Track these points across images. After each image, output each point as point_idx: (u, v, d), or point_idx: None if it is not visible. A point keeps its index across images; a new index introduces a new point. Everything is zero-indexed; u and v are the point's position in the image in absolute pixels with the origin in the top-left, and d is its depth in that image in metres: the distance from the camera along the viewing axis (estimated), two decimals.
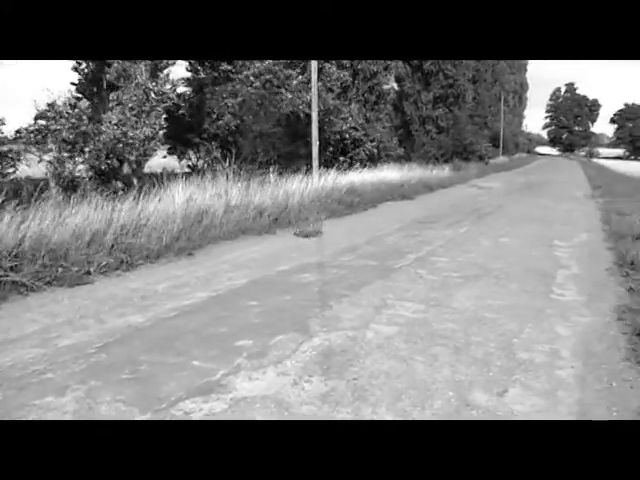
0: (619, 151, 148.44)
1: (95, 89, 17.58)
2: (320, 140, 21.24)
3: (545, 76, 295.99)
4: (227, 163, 17.75)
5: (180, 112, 23.40)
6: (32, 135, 14.26)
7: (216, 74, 24.08)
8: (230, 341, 6.10)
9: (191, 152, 24.88)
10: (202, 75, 25.62)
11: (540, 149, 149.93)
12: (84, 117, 14.54)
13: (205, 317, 6.96)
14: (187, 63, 26.36)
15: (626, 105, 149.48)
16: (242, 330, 6.45)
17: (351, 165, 24.22)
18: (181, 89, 24.83)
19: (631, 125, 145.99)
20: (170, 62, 17.53)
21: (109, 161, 15.03)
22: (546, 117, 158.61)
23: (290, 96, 22.63)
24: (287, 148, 22.13)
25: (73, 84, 18.44)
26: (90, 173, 14.98)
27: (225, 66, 23.46)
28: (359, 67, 28.21)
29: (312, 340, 6.17)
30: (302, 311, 7.19)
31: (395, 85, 38.07)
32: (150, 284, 8.53)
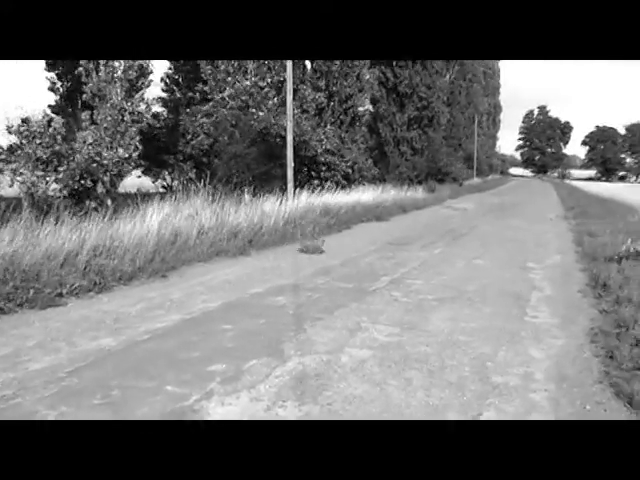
0: (591, 172, 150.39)
1: (70, 108, 17.54)
2: (295, 161, 21.26)
3: (519, 98, 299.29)
4: (202, 184, 17.70)
5: (155, 132, 23.37)
6: (4, 154, 14.17)
7: (192, 94, 24.14)
8: (203, 365, 6.04)
9: (166, 172, 24.85)
10: (178, 95, 25.70)
11: (514, 170, 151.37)
12: (58, 136, 14.46)
13: (178, 340, 6.89)
14: (163, 83, 26.42)
15: (597, 127, 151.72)
16: (216, 354, 6.40)
17: (326, 187, 24.24)
18: (156, 109, 24.86)
19: (602, 147, 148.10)
20: (146, 83, 17.50)
21: (83, 181, 14.93)
22: (519, 139, 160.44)
23: (265, 117, 22.69)
24: (262, 169, 22.12)
25: (49, 106, 18.44)
26: (64, 193, 14.87)
27: (201, 86, 23.51)
28: (334, 89, 28.36)
29: (286, 364, 6.13)
30: (276, 335, 7.15)
31: (370, 107, 38.23)
32: (123, 306, 8.45)
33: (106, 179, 15.67)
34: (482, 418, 4.95)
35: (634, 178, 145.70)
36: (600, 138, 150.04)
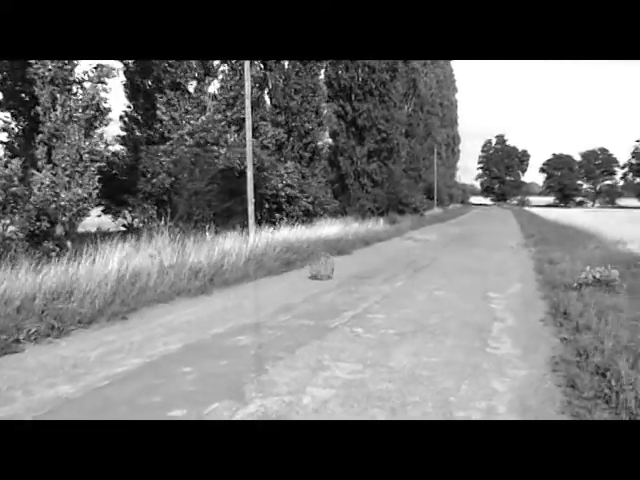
0: (549, 199, 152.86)
1: (26, 148, 17.34)
2: (256, 197, 21.28)
3: (478, 128, 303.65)
4: (163, 222, 17.62)
5: (114, 171, 23.21)
6: None
7: (151, 132, 24.08)
8: (163, 411, 5.96)
9: (126, 211, 24.63)
10: (137, 134, 25.59)
11: (474, 199, 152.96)
12: (15, 177, 14.28)
13: (138, 385, 6.81)
14: (122, 122, 26.28)
15: (554, 155, 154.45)
16: (176, 399, 6.33)
17: (288, 222, 24.27)
18: (116, 148, 24.72)
19: (559, 174, 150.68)
20: (104, 121, 17.38)
21: (40, 222, 14.74)
22: (478, 168, 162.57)
23: (225, 154, 22.70)
24: (223, 206, 22.09)
25: (2, 142, 18.23)
26: (20, 235, 14.66)
27: (159, 125, 23.48)
28: (294, 124, 28.50)
29: (247, 407, 6.08)
30: (237, 376, 7.10)
31: (330, 140, 38.44)
32: (82, 351, 8.31)
33: (65, 219, 15.46)
34: None
35: (591, 204, 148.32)
36: (557, 165, 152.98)
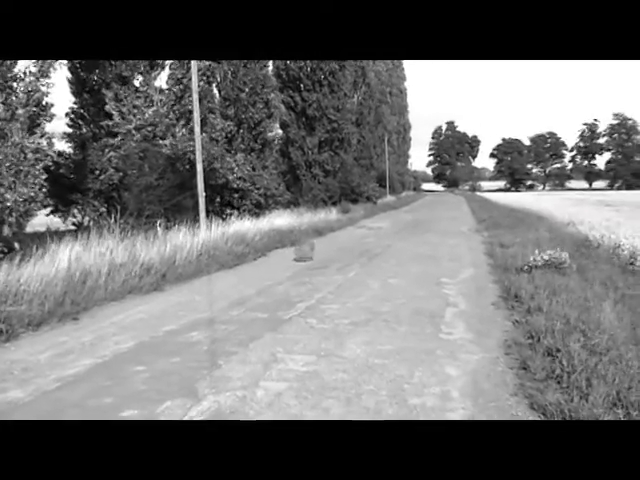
0: (500, 183, 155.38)
1: None
2: (207, 191, 21.15)
3: (428, 115, 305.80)
4: (113, 219, 17.40)
5: (62, 169, 22.88)
6: None
7: (98, 129, 23.77)
8: (115, 412, 5.86)
9: (75, 209, 24.30)
10: (84, 130, 25.22)
11: (426, 186, 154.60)
12: None
13: (90, 387, 6.70)
14: (68, 119, 25.88)
15: (503, 140, 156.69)
16: (128, 399, 6.24)
17: (240, 215, 24.16)
18: (63, 145, 24.35)
19: (509, 158, 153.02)
20: (48, 117, 17.07)
21: None
22: (430, 155, 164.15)
23: (173, 147, 22.51)
24: (173, 200, 21.92)
25: None
26: None
27: (107, 121, 23.18)
28: (243, 117, 28.33)
29: (201, 404, 6.04)
30: (191, 373, 7.04)
31: (280, 131, 38.37)
32: (32, 354, 8.15)
33: (12, 220, 15.18)
34: None
35: (541, 187, 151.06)
36: (507, 150, 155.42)
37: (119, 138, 22.43)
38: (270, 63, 33.05)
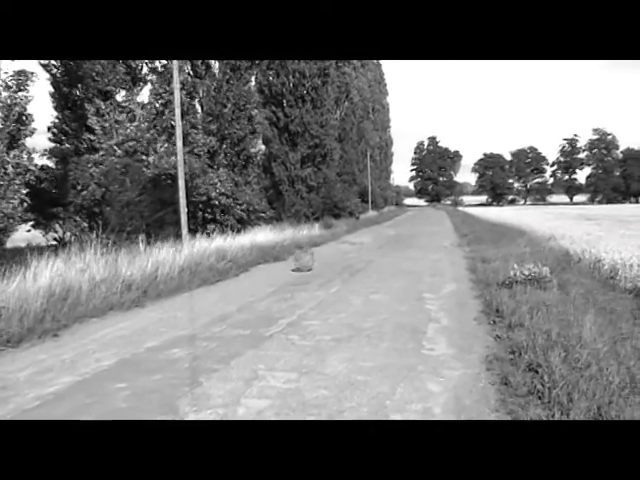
0: (482, 198, 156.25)
1: None
2: (189, 206, 21.12)
3: (410, 131, 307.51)
4: (94, 234, 17.33)
5: (43, 184, 22.78)
6: None
7: (80, 143, 23.70)
8: None
9: (57, 225, 24.17)
10: (66, 145, 25.15)
11: (408, 201, 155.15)
12: None
13: (69, 405, 6.64)
14: (50, 133, 25.82)
15: (485, 154, 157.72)
16: (109, 417, 6.16)
17: (222, 230, 24.11)
18: (44, 160, 24.27)
19: (491, 173, 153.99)
20: (28, 132, 17.00)
21: None
22: (412, 170, 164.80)
23: (154, 162, 22.46)
24: (155, 216, 21.85)
25: None
26: None
27: (89, 135, 23.11)
28: (226, 132, 28.32)
29: None
30: (172, 390, 7.01)
31: (263, 147, 38.38)
32: (11, 372, 8.06)
33: None
34: None
35: (522, 201, 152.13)
36: (488, 165, 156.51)
37: (101, 153, 22.34)
38: (253, 79, 33.09)
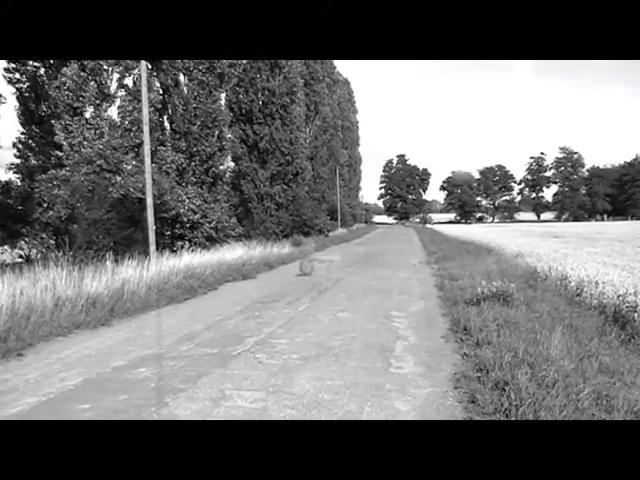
0: (450, 215, 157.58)
1: None
2: (157, 224, 21.01)
3: (380, 149, 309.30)
4: (61, 252, 17.16)
5: (8, 201, 22.52)
6: None
7: (46, 159, 23.50)
8: None
9: (22, 242, 23.87)
10: (32, 161, 24.92)
11: (377, 218, 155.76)
12: None
13: None
14: (16, 149, 25.58)
15: (453, 172, 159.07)
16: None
17: (191, 248, 23.98)
18: (10, 176, 24.02)
19: (459, 191, 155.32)
20: None
21: None
22: (381, 187, 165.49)
23: (123, 181, 22.32)
24: (123, 233, 21.66)
25: None
26: None
27: (56, 152, 22.91)
28: (195, 149, 28.23)
29: None
30: (137, 411, 6.93)
31: (232, 164, 38.36)
32: None
33: None
34: None
35: (490, 219, 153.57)
36: (456, 183, 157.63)
37: (67, 169, 22.13)
38: (222, 96, 33.04)
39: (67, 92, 22.98)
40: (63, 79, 22.62)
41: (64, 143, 22.98)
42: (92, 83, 23.81)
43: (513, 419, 5.53)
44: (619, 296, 11.81)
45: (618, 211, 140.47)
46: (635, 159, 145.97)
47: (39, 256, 21.22)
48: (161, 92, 28.38)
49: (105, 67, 24.29)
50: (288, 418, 6.53)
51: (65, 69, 22.53)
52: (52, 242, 21.85)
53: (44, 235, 21.98)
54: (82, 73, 23.05)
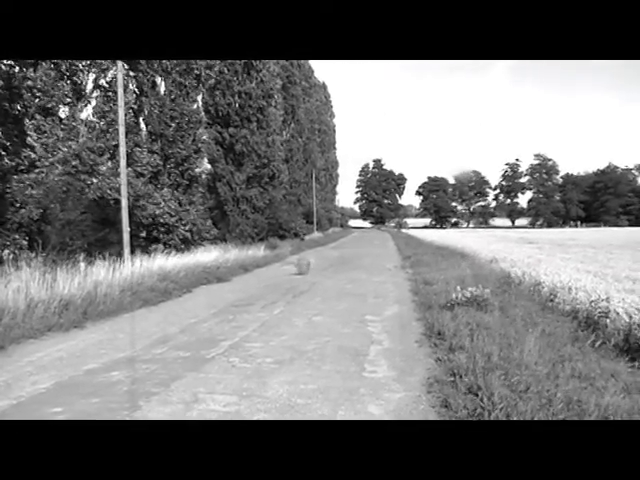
0: (426, 220, 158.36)
1: None
2: (132, 226, 20.89)
3: (355, 153, 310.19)
4: (34, 253, 17.00)
5: None
6: None
7: (20, 160, 23.23)
8: None
9: None
10: (5, 161, 24.64)
11: (353, 222, 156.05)
12: None
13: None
14: None
15: (429, 178, 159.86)
16: None
17: (166, 251, 23.85)
18: None
19: (435, 196, 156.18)
20: None
21: None
22: (357, 192, 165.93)
23: (97, 183, 22.15)
24: (98, 235, 21.51)
25: None
26: None
27: (29, 153, 22.66)
28: (170, 152, 28.10)
29: None
30: (110, 414, 6.86)
31: (209, 166, 38.24)
32: None
33: None
34: None
35: (466, 224, 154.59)
36: (432, 188, 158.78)
37: (39, 170, 21.91)
38: (199, 98, 32.97)
39: (38, 92, 22.76)
40: (29, 82, 22.42)
41: (36, 144, 22.76)
42: (64, 83, 23.59)
43: (513, 419, 5.56)
44: (591, 302, 11.91)
45: (591, 218, 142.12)
46: (608, 167, 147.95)
47: (11, 257, 20.97)
48: (137, 93, 28.23)
49: (81, 67, 24.09)
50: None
51: (30, 69, 22.33)
52: (25, 243, 21.61)
53: (17, 236, 21.73)
54: (52, 73, 22.83)
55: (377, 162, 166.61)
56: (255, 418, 6.66)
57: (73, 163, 21.99)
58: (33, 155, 22.38)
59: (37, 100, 22.87)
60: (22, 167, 22.88)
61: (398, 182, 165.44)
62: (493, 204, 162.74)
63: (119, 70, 20.56)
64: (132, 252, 20.27)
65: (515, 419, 6.03)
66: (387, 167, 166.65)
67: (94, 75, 24.92)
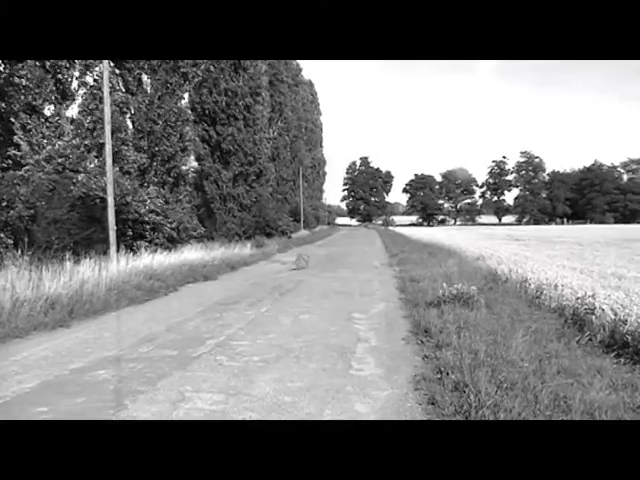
0: (413, 218, 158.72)
1: None
2: (118, 224, 20.81)
3: (342, 151, 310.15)
4: (19, 252, 16.91)
5: None
6: None
7: (5, 160, 23.14)
8: None
9: None
10: None
11: (340, 220, 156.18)
12: None
13: None
14: None
15: (416, 175, 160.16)
16: None
17: (152, 249, 23.76)
18: None
19: (421, 194, 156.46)
20: None
21: None
22: (344, 190, 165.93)
23: (82, 180, 22.05)
24: (84, 233, 21.40)
25: None
26: None
27: (14, 151, 22.57)
28: (157, 149, 28.02)
29: None
30: (95, 414, 6.84)
31: (196, 164, 38.17)
32: None
33: None
34: None
35: (452, 221, 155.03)
36: (419, 186, 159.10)
37: (26, 168, 21.81)
38: (186, 96, 32.88)
39: (23, 90, 22.66)
40: (15, 79, 22.31)
41: (22, 142, 22.66)
42: (49, 81, 23.47)
43: (514, 419, 5.57)
44: (577, 299, 11.97)
45: (578, 215, 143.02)
46: (594, 164, 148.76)
47: None
48: (124, 90, 28.13)
49: (66, 65, 23.99)
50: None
51: (16, 67, 22.22)
52: (10, 242, 21.50)
53: (2, 234, 21.61)
54: (37, 71, 22.73)
55: (364, 160, 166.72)
56: (242, 416, 6.66)
57: (59, 161, 21.89)
58: (19, 153, 22.27)
59: (22, 97, 22.75)
60: (4, 165, 22.79)
61: (385, 180, 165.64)
62: (480, 201, 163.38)
63: (105, 68, 20.46)
64: (118, 250, 20.20)
65: (502, 417, 6.05)
66: (374, 165, 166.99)
67: (78, 73, 24.82)
